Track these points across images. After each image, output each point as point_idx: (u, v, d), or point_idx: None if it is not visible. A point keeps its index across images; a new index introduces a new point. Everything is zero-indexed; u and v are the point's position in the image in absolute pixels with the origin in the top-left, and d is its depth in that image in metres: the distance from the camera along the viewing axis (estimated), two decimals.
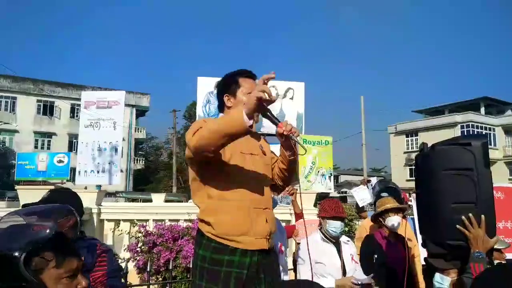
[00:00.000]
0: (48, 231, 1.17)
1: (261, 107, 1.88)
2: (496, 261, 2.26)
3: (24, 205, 2.10)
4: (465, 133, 33.01)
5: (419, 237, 3.70)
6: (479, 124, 35.17)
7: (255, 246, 2.05)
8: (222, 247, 2.02)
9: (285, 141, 2.14)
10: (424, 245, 2.05)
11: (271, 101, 1.82)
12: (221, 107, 2.32)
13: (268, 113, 2.24)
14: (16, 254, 1.08)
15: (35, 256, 1.11)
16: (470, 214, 1.81)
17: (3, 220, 1.31)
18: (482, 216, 1.81)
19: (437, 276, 2.00)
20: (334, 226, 3.25)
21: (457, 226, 1.83)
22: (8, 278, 1.02)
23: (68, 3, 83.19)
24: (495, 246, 2.36)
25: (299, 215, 4.00)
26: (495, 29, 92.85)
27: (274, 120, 2.19)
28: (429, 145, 2.04)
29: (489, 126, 35.91)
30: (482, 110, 37.76)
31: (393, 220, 3.51)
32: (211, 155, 1.91)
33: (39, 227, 1.18)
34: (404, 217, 4.45)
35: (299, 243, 4.37)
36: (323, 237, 3.30)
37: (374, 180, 5.82)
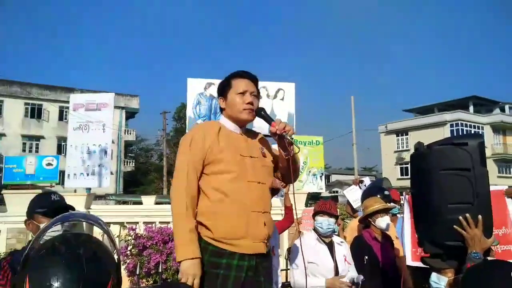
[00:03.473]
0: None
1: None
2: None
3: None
4: (455, 132, 33.34)
5: (407, 236, 3.70)
6: (468, 123, 35.54)
7: (253, 250, 2.04)
8: (220, 251, 2.01)
9: (279, 140, 2.12)
10: (420, 244, 2.02)
11: None
12: (220, 109, 2.33)
13: (262, 112, 2.21)
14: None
15: None
16: (467, 214, 1.79)
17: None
18: (479, 216, 1.79)
19: (434, 276, 1.97)
20: (320, 222, 3.28)
21: (454, 226, 1.81)
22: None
23: (55, 5, 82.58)
24: None
25: (289, 208, 3.97)
26: (484, 29, 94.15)
27: (268, 119, 2.16)
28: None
29: (478, 125, 36.30)
30: (471, 108, 38.16)
31: (383, 221, 3.50)
32: None
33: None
34: (395, 215, 4.44)
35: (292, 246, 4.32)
36: (318, 237, 3.31)
37: (367, 180, 5.79)
